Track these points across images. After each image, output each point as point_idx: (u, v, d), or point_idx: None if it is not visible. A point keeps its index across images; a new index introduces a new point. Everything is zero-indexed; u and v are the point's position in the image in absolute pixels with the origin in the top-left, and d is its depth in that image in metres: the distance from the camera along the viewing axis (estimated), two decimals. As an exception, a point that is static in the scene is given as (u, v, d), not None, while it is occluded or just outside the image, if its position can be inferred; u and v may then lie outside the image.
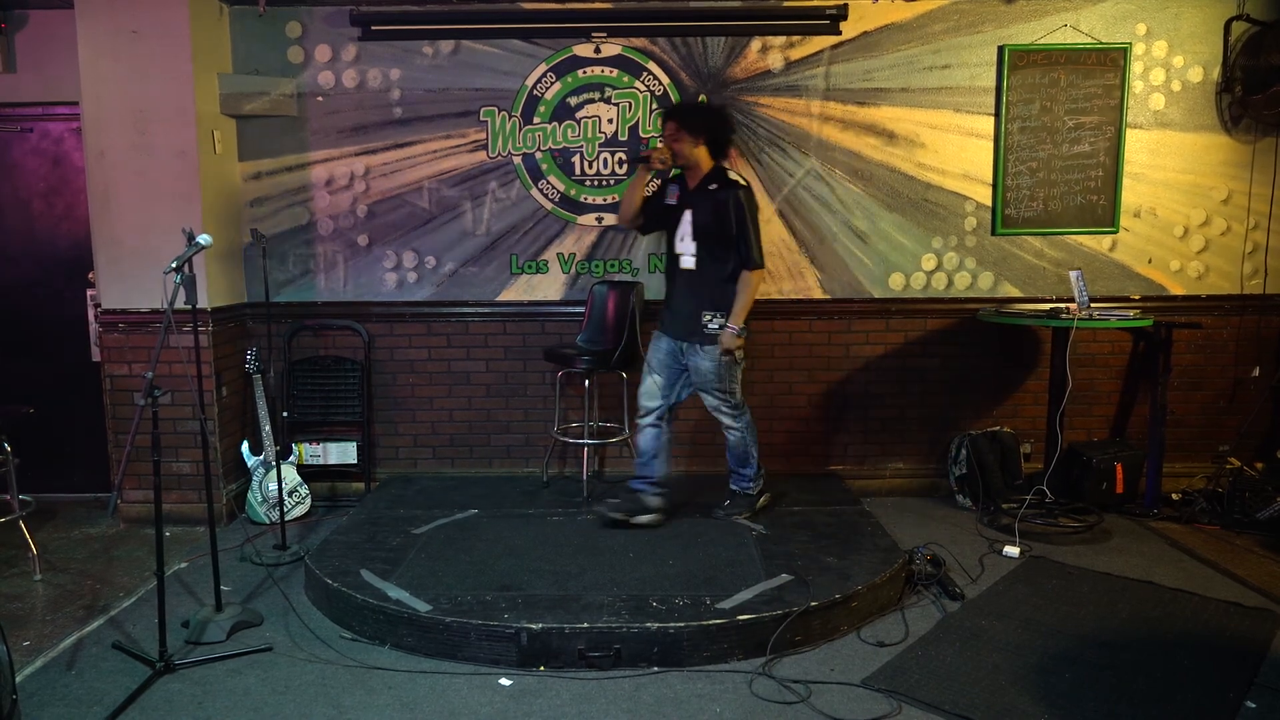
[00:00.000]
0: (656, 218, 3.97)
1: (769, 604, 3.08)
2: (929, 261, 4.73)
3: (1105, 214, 4.69)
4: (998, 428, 4.74)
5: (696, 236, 3.76)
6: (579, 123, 4.66)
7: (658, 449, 3.98)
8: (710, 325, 3.75)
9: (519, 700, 2.74)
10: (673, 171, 4.01)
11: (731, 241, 3.71)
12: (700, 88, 4.63)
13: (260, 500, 4.42)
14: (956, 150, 4.66)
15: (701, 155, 3.79)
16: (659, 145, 3.88)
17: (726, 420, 3.93)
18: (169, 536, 4.16)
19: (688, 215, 3.79)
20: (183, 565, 3.90)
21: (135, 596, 3.56)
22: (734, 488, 4.11)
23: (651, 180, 4.22)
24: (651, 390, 3.94)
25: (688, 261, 3.80)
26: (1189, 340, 4.69)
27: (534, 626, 2.93)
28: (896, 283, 4.75)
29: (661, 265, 4.72)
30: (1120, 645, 3.04)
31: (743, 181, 3.76)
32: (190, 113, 4.19)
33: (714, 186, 3.74)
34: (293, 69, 4.60)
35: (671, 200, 3.89)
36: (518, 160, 4.68)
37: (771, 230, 4.69)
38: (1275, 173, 4.67)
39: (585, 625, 2.94)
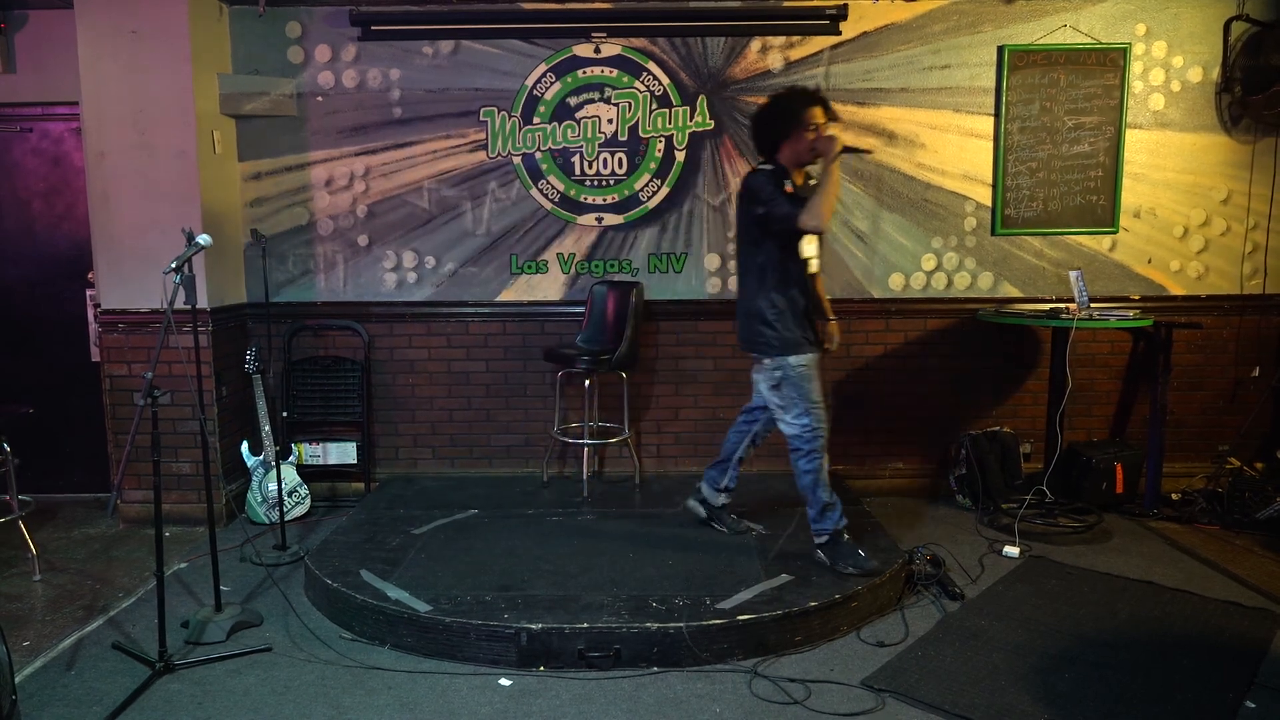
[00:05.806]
0: None
1: (769, 604, 3.08)
2: (929, 261, 4.73)
3: (1105, 214, 4.69)
4: (998, 428, 4.74)
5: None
6: (579, 123, 4.66)
7: None
8: None
9: (519, 700, 2.74)
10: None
11: None
12: (700, 88, 4.63)
13: (260, 500, 4.41)
14: (956, 150, 4.66)
15: None
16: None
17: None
18: (169, 536, 4.16)
19: None
20: (182, 565, 3.90)
21: (135, 596, 3.56)
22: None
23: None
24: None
25: (816, 265, 3.42)
26: (1189, 340, 4.69)
27: (534, 626, 2.93)
28: (896, 283, 4.75)
29: (663, 265, 4.74)
30: (1120, 645, 3.04)
31: None
32: (190, 113, 4.20)
33: (811, 183, 3.42)
34: (292, 69, 4.60)
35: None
36: (517, 160, 4.67)
37: (771, 230, 4.70)
38: (1275, 173, 4.67)
39: (585, 625, 2.94)
